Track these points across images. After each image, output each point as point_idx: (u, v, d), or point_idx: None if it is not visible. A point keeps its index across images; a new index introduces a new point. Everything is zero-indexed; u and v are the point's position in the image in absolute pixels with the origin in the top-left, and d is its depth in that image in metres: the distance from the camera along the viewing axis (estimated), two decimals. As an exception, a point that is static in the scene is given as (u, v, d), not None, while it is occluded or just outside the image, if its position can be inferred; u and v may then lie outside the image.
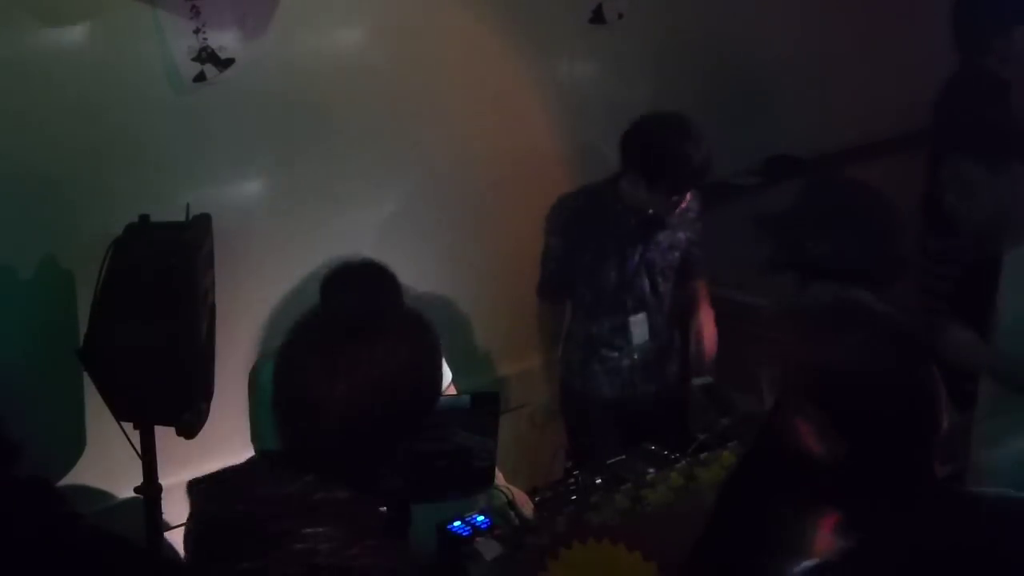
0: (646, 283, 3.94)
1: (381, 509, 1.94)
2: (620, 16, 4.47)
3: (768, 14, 4.97)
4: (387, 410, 1.90)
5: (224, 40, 3.55)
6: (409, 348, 1.94)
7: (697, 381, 3.95)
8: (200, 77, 3.54)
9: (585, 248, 3.87)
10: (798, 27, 5.04)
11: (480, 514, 3.16)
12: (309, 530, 1.83)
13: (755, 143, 4.99)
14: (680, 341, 4.11)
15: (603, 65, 4.50)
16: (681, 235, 3.97)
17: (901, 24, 4.76)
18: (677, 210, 3.82)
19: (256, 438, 3.43)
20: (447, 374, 3.42)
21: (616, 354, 3.99)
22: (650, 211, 3.81)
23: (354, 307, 2.33)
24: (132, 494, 3.28)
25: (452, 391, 3.49)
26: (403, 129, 4.05)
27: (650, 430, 3.85)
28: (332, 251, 3.94)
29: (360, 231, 4.00)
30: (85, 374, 3.17)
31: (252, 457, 2.10)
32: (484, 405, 3.43)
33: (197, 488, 1.97)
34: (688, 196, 3.79)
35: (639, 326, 3.98)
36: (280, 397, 1.96)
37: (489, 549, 2.96)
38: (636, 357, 4.00)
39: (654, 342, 4.01)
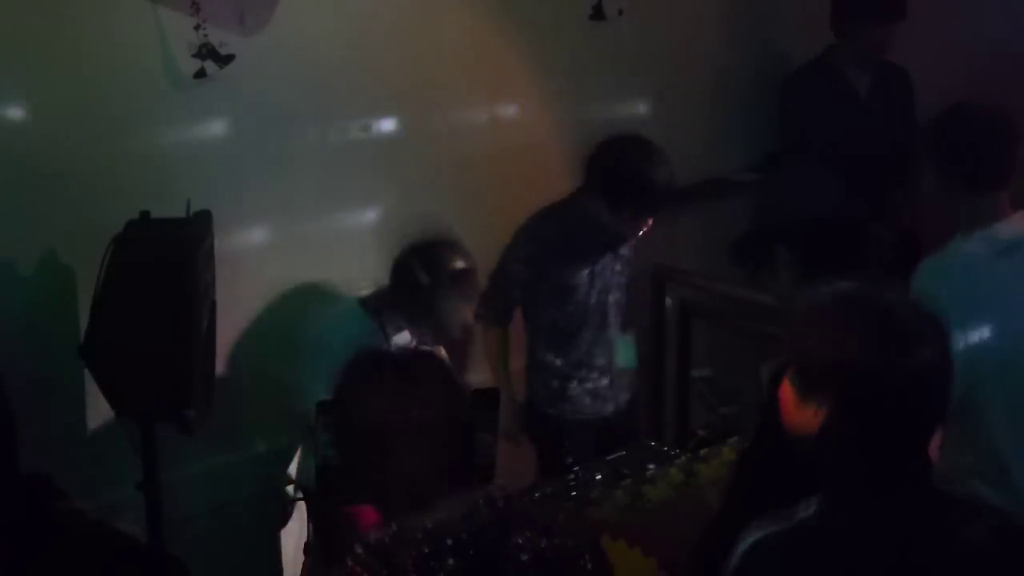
0: (618, 295, 3.95)
1: None
2: (620, 12, 4.47)
3: (768, 13, 4.98)
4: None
5: (224, 36, 3.55)
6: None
7: (696, 372, 3.95)
8: (200, 73, 3.55)
9: (558, 270, 3.83)
10: (798, 25, 5.04)
11: None
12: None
13: (755, 139, 4.99)
14: None
15: (603, 61, 4.50)
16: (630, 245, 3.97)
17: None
18: (640, 232, 3.81)
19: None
20: None
21: (596, 374, 3.96)
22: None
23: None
24: (133, 490, 3.28)
25: None
26: (403, 126, 4.05)
27: (623, 437, 3.89)
28: (332, 248, 3.96)
29: (360, 229, 4.00)
30: (86, 370, 3.17)
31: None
32: (484, 402, 3.44)
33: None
34: (649, 221, 3.77)
35: (627, 347, 3.98)
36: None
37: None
38: (615, 373, 4.00)
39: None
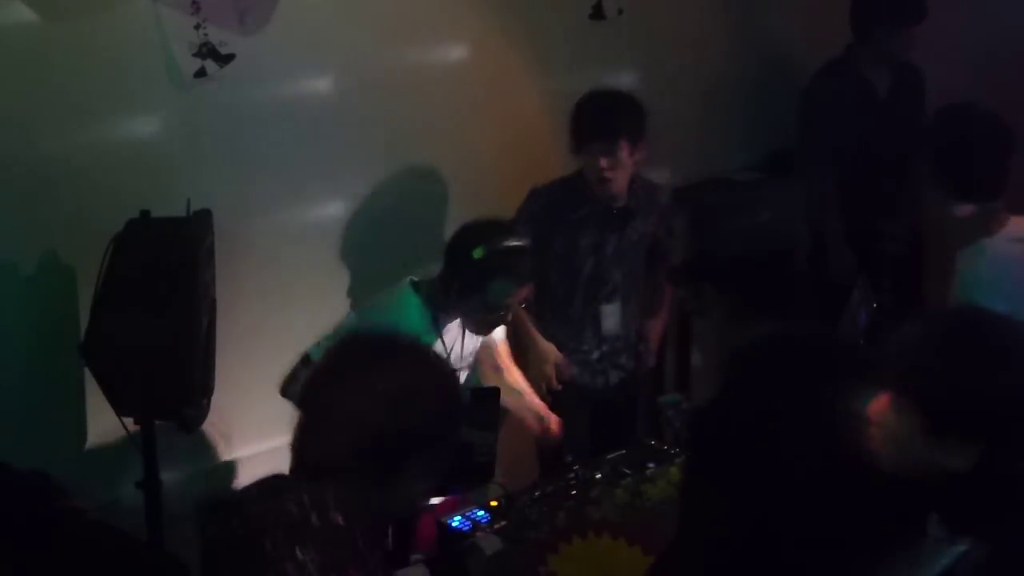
0: (616, 275, 3.97)
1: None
2: (620, 12, 4.47)
3: (768, 13, 4.98)
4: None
5: (225, 36, 3.55)
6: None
7: (664, 399, 3.93)
8: (201, 73, 3.55)
9: (556, 238, 3.90)
10: (799, 24, 5.04)
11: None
12: (301, 555, 1.84)
13: (755, 139, 4.99)
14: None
15: (603, 61, 4.50)
16: (650, 229, 3.98)
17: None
18: (604, 173, 3.78)
19: None
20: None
21: (586, 346, 4.02)
22: (608, 197, 3.84)
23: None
24: (133, 489, 3.29)
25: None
26: (404, 126, 4.05)
27: (614, 420, 3.94)
28: (332, 246, 3.96)
29: (361, 227, 4.00)
30: (86, 369, 3.17)
31: (262, 479, 2.11)
32: (484, 400, 3.44)
33: (203, 511, 1.98)
34: (610, 156, 3.75)
35: (611, 316, 3.99)
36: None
37: (489, 544, 2.96)
38: (605, 348, 4.03)
39: (623, 332, 4.03)
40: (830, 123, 4.67)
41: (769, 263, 2.37)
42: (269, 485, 2.03)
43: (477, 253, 3.36)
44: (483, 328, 3.52)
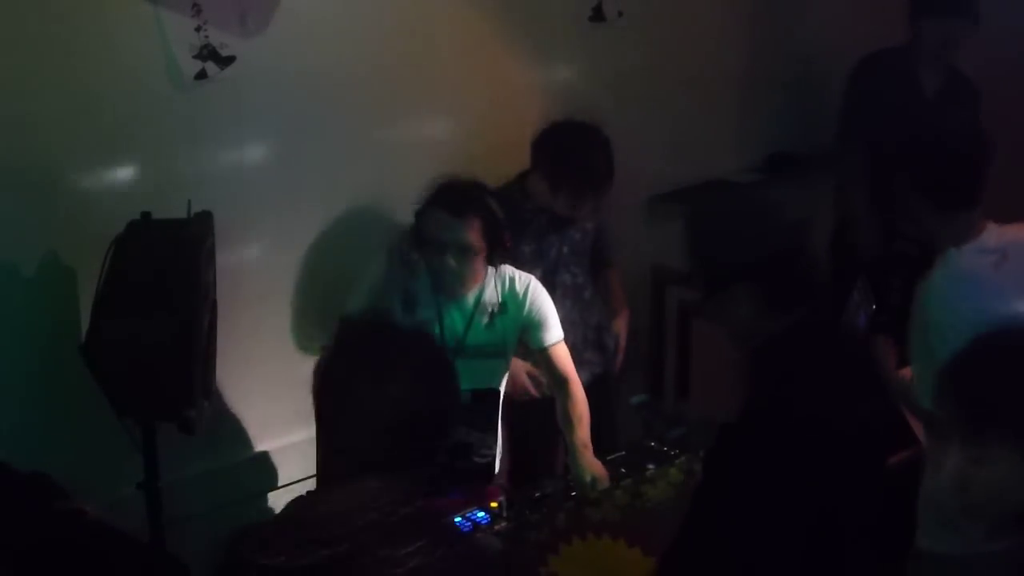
0: (566, 277, 3.96)
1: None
2: (620, 14, 4.48)
3: (768, 14, 4.98)
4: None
5: (225, 38, 3.56)
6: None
7: (634, 400, 3.93)
8: (201, 75, 3.55)
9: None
10: (799, 25, 5.05)
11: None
12: (393, 550, 1.85)
13: (755, 140, 4.99)
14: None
15: (603, 63, 4.51)
16: (589, 225, 3.98)
17: (900, 23, 4.76)
18: (579, 216, 3.82)
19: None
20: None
21: None
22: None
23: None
24: (133, 490, 3.29)
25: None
26: (404, 126, 4.05)
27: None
28: (333, 248, 3.96)
29: (361, 228, 4.00)
30: (87, 370, 3.18)
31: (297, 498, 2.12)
32: (484, 401, 3.45)
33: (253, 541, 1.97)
34: (588, 205, 3.78)
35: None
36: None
37: (490, 545, 2.97)
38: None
39: (580, 331, 3.99)
40: (865, 109, 4.59)
41: (794, 258, 2.46)
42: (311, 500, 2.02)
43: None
44: (443, 281, 3.42)
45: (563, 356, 3.56)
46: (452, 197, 3.39)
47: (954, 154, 3.16)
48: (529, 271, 3.67)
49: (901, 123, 4.42)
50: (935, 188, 3.16)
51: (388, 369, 2.01)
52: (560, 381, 3.54)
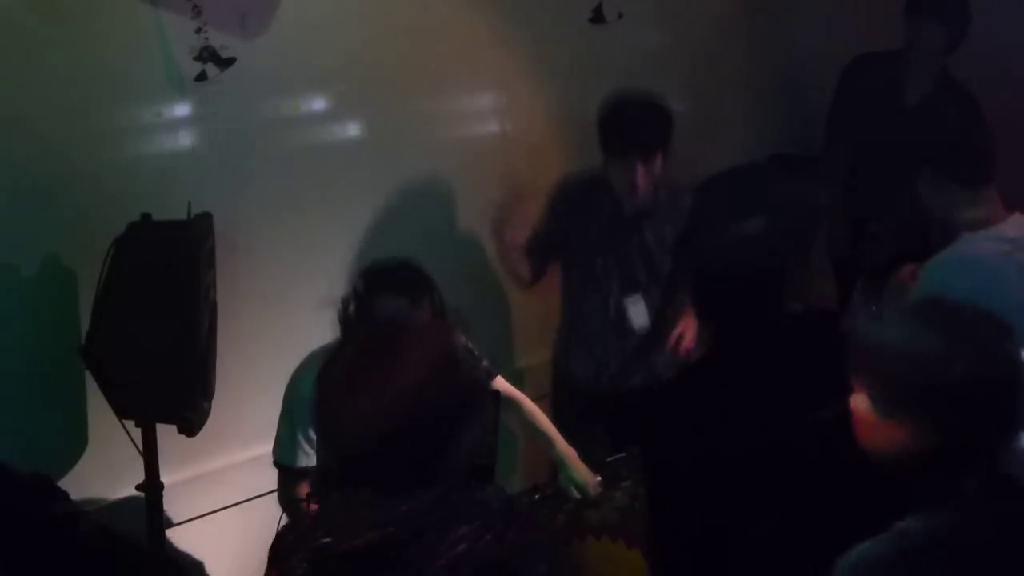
0: (632, 273, 3.94)
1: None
2: (620, 15, 4.48)
3: (769, 12, 4.98)
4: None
5: (226, 39, 3.56)
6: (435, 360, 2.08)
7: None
8: (202, 76, 3.55)
9: (572, 224, 3.90)
10: (798, 27, 5.05)
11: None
12: (455, 532, 1.85)
13: (755, 140, 5.00)
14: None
15: (603, 64, 4.51)
16: (668, 229, 3.93)
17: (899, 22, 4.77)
18: (636, 186, 3.74)
19: (281, 447, 3.30)
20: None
21: (592, 339, 3.98)
22: (633, 202, 3.79)
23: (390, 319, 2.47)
24: (133, 492, 3.29)
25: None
26: (405, 127, 4.05)
27: (627, 421, 3.87)
28: (333, 249, 3.96)
29: (362, 228, 4.00)
30: (87, 372, 3.18)
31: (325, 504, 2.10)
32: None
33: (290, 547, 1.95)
34: (641, 169, 3.70)
35: (636, 308, 3.94)
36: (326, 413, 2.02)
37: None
38: (614, 346, 3.97)
39: (650, 327, 3.97)
40: (846, 109, 4.60)
41: None
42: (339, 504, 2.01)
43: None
44: None
45: (502, 383, 3.45)
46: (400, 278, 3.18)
47: (962, 133, 3.17)
48: (591, 257, 3.78)
49: (877, 126, 4.44)
50: (953, 167, 3.16)
51: (402, 364, 2.00)
52: (511, 404, 3.45)
